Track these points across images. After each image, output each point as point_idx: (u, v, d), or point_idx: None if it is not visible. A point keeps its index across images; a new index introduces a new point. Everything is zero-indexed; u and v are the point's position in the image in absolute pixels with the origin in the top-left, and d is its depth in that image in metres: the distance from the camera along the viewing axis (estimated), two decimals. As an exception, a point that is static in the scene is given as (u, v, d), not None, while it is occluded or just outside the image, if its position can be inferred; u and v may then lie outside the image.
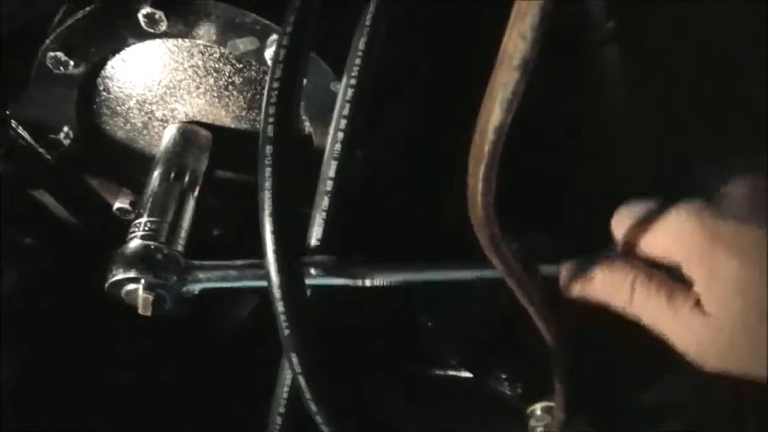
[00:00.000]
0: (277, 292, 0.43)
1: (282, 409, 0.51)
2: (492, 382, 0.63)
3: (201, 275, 0.51)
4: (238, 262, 0.51)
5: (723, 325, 0.41)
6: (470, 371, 0.65)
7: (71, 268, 0.67)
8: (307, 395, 0.45)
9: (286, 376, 0.50)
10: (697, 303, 0.42)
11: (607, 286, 0.45)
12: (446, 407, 0.70)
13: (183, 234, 0.54)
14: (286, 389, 0.50)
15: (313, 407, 0.45)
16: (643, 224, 0.44)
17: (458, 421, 0.70)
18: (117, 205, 0.64)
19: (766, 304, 0.40)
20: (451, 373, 0.66)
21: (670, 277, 0.43)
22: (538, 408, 0.61)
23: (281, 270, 0.43)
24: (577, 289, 0.46)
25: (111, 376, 0.71)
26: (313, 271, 0.49)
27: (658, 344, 0.45)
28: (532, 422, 0.62)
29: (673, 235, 0.43)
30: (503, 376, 0.63)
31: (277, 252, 0.43)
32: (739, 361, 0.42)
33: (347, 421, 0.46)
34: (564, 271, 0.47)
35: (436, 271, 0.51)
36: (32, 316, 0.64)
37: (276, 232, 0.43)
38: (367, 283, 0.49)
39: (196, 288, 0.52)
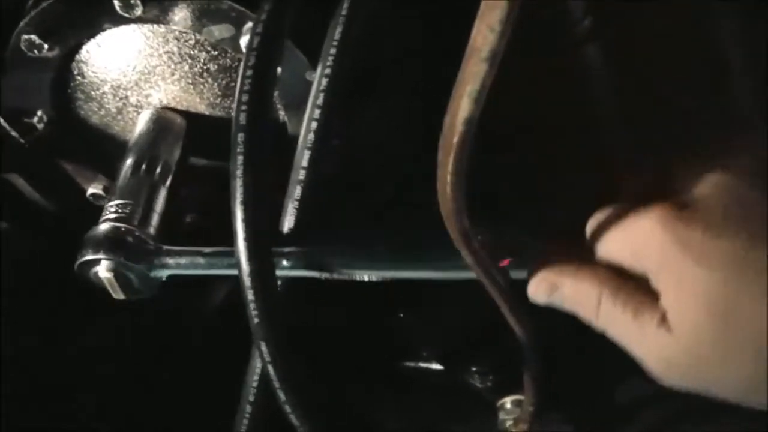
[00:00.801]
0: (246, 280, 0.43)
1: (252, 398, 0.51)
2: (463, 375, 0.64)
3: (170, 261, 0.51)
4: (208, 250, 0.50)
5: (688, 343, 0.39)
6: (441, 364, 0.65)
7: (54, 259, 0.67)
8: (276, 384, 0.45)
9: (257, 365, 0.50)
10: (663, 319, 0.39)
11: (574, 297, 0.43)
12: (417, 399, 0.70)
13: (155, 219, 0.54)
14: (256, 377, 0.50)
15: (282, 396, 0.45)
16: (615, 230, 0.42)
17: (428, 413, 0.70)
18: (90, 190, 0.64)
19: (734, 321, 0.37)
20: (423, 365, 0.66)
21: (639, 288, 0.41)
22: (507, 401, 0.62)
23: (251, 258, 0.43)
24: (544, 296, 0.44)
25: (99, 372, 0.70)
26: (284, 262, 0.48)
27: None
28: (502, 415, 0.62)
29: (642, 242, 0.40)
30: (474, 369, 0.63)
31: (248, 240, 0.43)
32: (703, 382, 0.40)
33: (316, 411, 0.46)
34: (534, 274, 0.45)
35: (413, 267, 0.50)
36: (14, 310, 0.64)
37: (247, 220, 0.43)
38: (336, 276, 0.49)
39: (164, 273, 0.51)
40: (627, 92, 0.62)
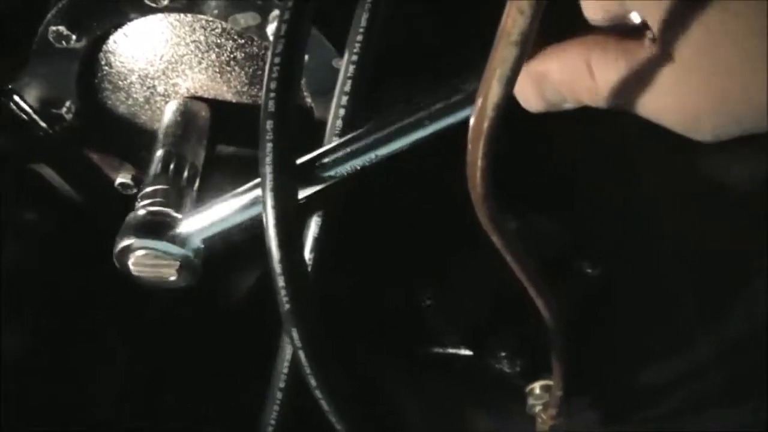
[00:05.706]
0: (277, 267, 0.43)
1: (282, 384, 0.51)
2: (491, 360, 0.64)
3: (196, 221, 0.51)
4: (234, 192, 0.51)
5: (695, 57, 0.33)
6: (469, 349, 0.65)
7: (76, 246, 0.67)
8: (308, 370, 0.45)
9: (287, 351, 0.50)
10: (663, 51, 0.34)
11: (564, 78, 0.37)
12: (445, 384, 0.70)
13: (188, 205, 0.55)
14: (286, 364, 0.51)
15: (313, 382, 0.46)
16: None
17: (457, 399, 0.70)
18: (119, 180, 0.64)
19: (734, 29, 0.31)
20: (451, 350, 0.66)
21: (628, 34, 0.35)
22: (537, 386, 0.62)
23: (282, 245, 0.43)
24: (535, 94, 0.39)
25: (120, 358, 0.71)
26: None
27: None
28: (531, 400, 0.62)
29: None
30: (502, 354, 0.63)
31: (278, 227, 0.43)
32: (732, 100, 0.33)
33: (347, 397, 0.46)
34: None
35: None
36: (33, 296, 0.64)
37: (277, 207, 0.43)
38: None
39: (197, 239, 0.52)
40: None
